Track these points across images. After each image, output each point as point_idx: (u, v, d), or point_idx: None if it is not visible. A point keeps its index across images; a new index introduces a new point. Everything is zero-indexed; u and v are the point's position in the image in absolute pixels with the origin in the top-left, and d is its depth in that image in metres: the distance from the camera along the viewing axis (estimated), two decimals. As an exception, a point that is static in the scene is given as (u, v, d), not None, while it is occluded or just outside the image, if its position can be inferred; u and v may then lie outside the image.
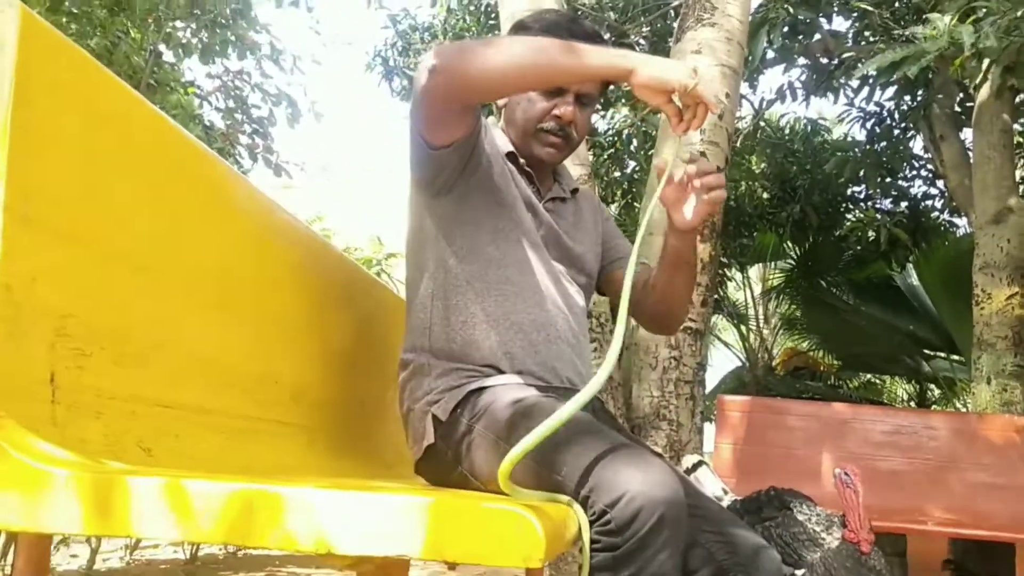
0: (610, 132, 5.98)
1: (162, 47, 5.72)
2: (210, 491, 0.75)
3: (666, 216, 1.51)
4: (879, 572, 1.72)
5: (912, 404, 9.65)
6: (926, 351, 7.74)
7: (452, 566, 0.98)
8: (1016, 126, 5.08)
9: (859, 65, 5.62)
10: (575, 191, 1.65)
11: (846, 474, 1.80)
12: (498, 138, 1.54)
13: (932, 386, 9.08)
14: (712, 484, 2.07)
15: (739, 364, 9.17)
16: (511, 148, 1.55)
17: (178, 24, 5.80)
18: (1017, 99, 4.77)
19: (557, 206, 1.59)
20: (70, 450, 0.85)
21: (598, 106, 5.98)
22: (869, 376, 9.78)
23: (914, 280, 7.29)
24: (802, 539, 1.81)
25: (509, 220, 1.48)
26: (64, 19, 4.90)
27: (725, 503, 2.01)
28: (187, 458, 1.07)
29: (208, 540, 0.75)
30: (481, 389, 1.40)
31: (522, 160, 1.54)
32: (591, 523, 1.10)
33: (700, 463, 2.10)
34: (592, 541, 1.10)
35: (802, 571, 1.76)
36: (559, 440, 1.21)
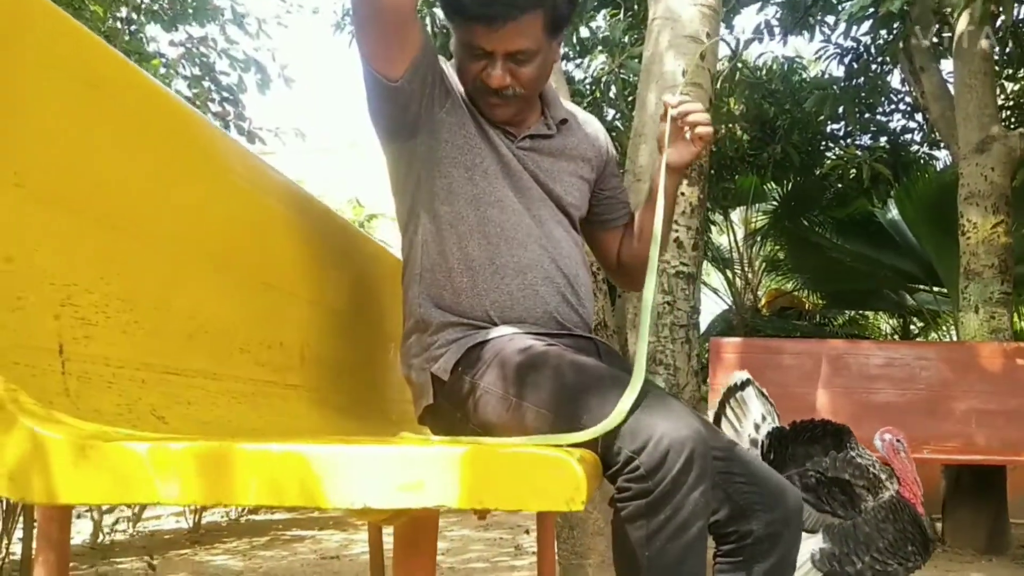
0: (588, 80, 5.92)
1: (133, 15, 5.56)
2: (240, 454, 0.73)
3: (655, 159, 1.50)
4: (926, 533, 1.76)
5: (896, 338, 9.78)
6: (909, 285, 7.82)
7: (482, 516, 0.97)
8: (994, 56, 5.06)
9: (833, 1, 5.57)
10: (564, 122, 1.55)
11: (898, 440, 1.84)
12: (456, 81, 1.48)
13: (914, 319, 9.20)
14: (757, 406, 2.06)
15: (725, 308, 9.23)
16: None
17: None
18: (998, 24, 4.75)
19: (537, 143, 1.50)
20: (86, 420, 0.82)
21: (573, 54, 5.93)
22: (853, 312, 9.89)
23: (895, 215, 7.33)
24: (858, 483, 1.83)
25: (482, 155, 1.45)
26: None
27: (765, 429, 2.00)
28: (201, 424, 1.05)
29: (240, 503, 0.73)
30: (481, 344, 1.38)
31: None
32: (618, 472, 1.10)
33: (748, 382, 2.09)
34: (621, 491, 1.10)
35: (839, 520, 1.78)
36: (577, 390, 1.20)
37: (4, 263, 0.82)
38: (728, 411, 2.09)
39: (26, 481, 0.73)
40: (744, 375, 2.12)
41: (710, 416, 2.21)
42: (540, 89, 1.49)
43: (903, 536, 1.75)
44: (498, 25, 1.34)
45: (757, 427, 2.01)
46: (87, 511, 4.11)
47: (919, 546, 1.77)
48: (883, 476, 1.86)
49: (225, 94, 6.37)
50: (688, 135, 1.45)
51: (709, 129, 1.44)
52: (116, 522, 4.06)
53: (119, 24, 5.40)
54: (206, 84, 6.32)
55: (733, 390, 2.09)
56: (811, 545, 1.82)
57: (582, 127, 1.60)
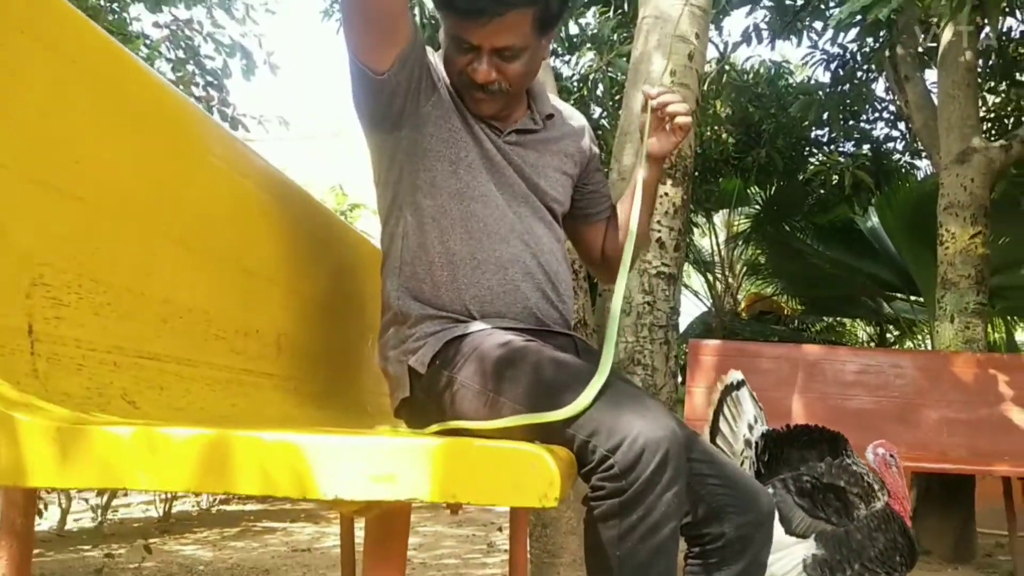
0: (575, 77, 5.90)
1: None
2: (212, 441, 0.72)
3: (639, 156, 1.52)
4: (914, 545, 1.79)
5: (872, 345, 9.87)
6: (887, 293, 7.89)
7: (454, 510, 0.96)
8: (978, 67, 5.10)
9: (822, 7, 5.59)
10: (550, 116, 1.55)
11: (891, 456, 1.87)
12: (443, 73, 1.47)
13: (891, 327, 9.29)
14: (749, 408, 2.07)
15: (704, 310, 9.28)
16: None
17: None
18: (982, 36, 4.79)
19: (523, 138, 1.50)
20: (54, 403, 0.81)
21: (561, 51, 5.92)
22: (831, 319, 9.97)
23: (875, 223, 7.39)
24: (852, 491, 1.85)
25: (467, 149, 1.43)
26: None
27: (757, 431, 2.01)
28: (173, 410, 1.04)
29: (211, 490, 0.72)
30: (459, 338, 1.37)
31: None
32: (592, 470, 1.09)
33: (742, 382, 2.10)
34: (595, 489, 1.09)
35: (831, 527, 1.80)
36: (555, 386, 1.20)
37: (-26, 240, 0.80)
38: (725, 409, 2.10)
39: (-10, 463, 0.72)
40: (739, 375, 2.13)
41: (708, 416, 2.22)
42: (527, 86, 1.48)
43: (893, 546, 1.79)
44: (485, 20, 1.33)
45: (751, 428, 2.02)
46: (52, 495, 4.06)
47: (906, 557, 1.80)
48: (876, 486, 1.88)
49: (209, 78, 6.30)
50: (668, 126, 1.47)
51: (689, 119, 1.46)
52: (101, 507, 4.00)
53: (102, 2, 5.32)
54: (190, 68, 6.25)
55: (729, 389, 2.10)
56: (802, 550, 1.84)
57: (567, 122, 1.60)
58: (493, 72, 1.38)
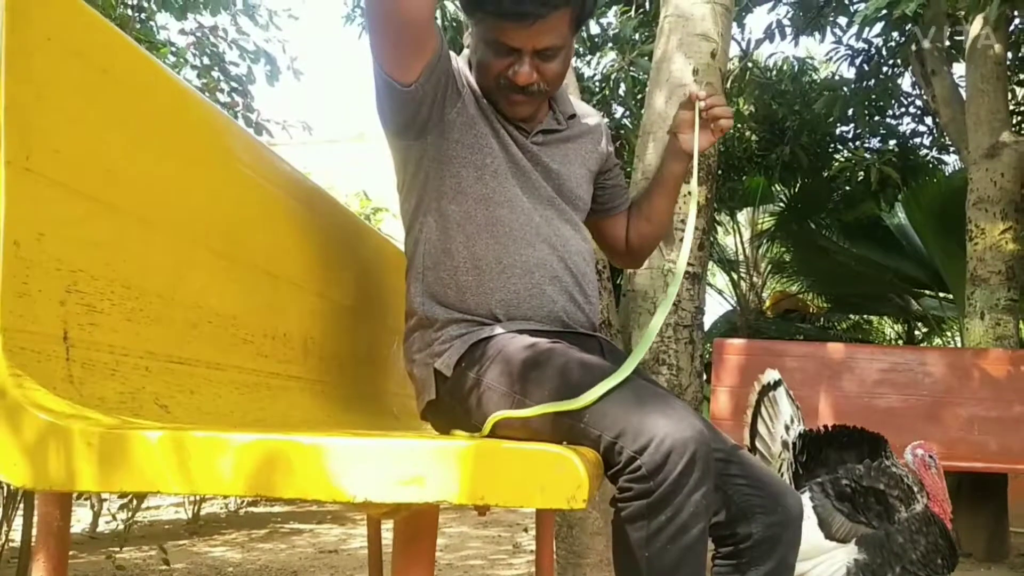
0: (597, 77, 5.89)
1: (144, 3, 5.57)
2: (243, 444, 0.73)
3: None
4: (954, 548, 1.78)
5: (900, 343, 9.77)
6: (915, 289, 7.80)
7: (482, 512, 0.97)
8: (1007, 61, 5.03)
9: (846, 2, 5.54)
10: (572, 116, 1.56)
11: (930, 456, 1.86)
12: (471, 76, 1.47)
13: (919, 324, 9.18)
14: (786, 408, 2.06)
15: (729, 308, 9.22)
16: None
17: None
18: (1011, 28, 4.73)
19: (548, 138, 1.51)
20: (89, 408, 0.82)
21: (583, 51, 5.92)
22: (857, 316, 9.88)
23: (903, 219, 7.31)
24: (892, 493, 1.84)
25: (492, 154, 1.44)
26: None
27: (794, 432, 2.01)
28: (204, 413, 1.05)
29: (242, 493, 0.73)
30: (485, 340, 1.37)
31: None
32: (619, 472, 1.09)
33: (779, 382, 2.09)
34: (622, 490, 1.09)
35: (872, 530, 1.78)
36: (581, 388, 1.20)
37: (11, 247, 0.82)
38: (762, 410, 2.09)
39: (29, 467, 0.73)
40: (775, 374, 2.12)
41: (747, 416, 2.20)
42: (561, 84, 1.48)
43: (934, 549, 1.78)
44: (529, 22, 1.32)
45: (787, 428, 2.01)
46: (86, 499, 4.12)
47: (947, 560, 1.79)
48: (915, 488, 1.87)
49: (234, 84, 6.36)
50: (712, 125, 1.54)
51: (731, 121, 1.55)
52: (120, 509, 4.06)
53: (130, 12, 5.40)
54: (215, 74, 6.31)
55: (767, 389, 2.09)
56: (844, 555, 1.83)
57: (584, 120, 1.61)
58: (534, 73, 1.39)
